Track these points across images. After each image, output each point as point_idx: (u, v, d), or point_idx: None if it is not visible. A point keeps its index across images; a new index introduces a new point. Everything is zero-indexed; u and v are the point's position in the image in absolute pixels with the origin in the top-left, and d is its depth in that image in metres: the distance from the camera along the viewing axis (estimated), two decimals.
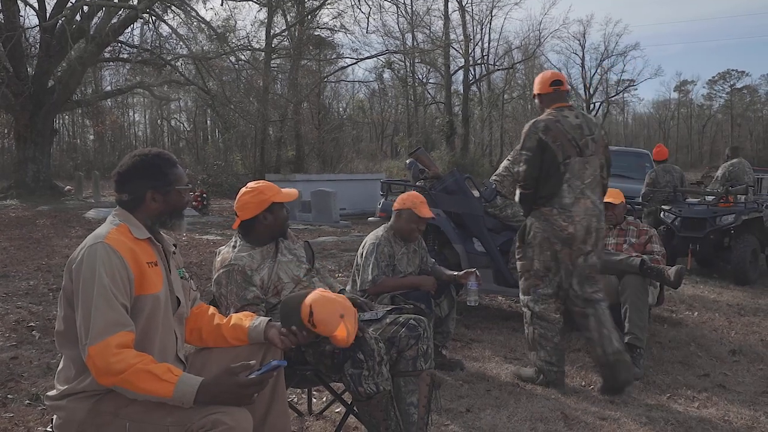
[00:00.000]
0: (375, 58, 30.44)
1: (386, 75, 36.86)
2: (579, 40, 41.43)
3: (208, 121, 37.15)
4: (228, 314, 2.64)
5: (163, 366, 1.82)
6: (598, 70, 41.20)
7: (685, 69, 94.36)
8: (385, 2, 27.14)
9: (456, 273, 3.91)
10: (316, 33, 27.07)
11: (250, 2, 22.90)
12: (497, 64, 37.50)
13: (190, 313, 2.21)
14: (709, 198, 8.16)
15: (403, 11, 31.26)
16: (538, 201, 3.66)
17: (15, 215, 12.88)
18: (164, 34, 19.70)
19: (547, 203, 3.62)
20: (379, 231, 3.82)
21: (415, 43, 32.56)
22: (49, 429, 1.98)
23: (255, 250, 2.75)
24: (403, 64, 34.64)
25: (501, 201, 5.31)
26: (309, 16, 25.69)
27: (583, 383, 3.86)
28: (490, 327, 5.12)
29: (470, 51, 34.81)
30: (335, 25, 26.53)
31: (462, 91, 35.34)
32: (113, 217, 2.02)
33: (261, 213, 2.74)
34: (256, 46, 23.72)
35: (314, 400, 3.39)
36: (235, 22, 31.08)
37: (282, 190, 2.82)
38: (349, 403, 2.71)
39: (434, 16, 33.56)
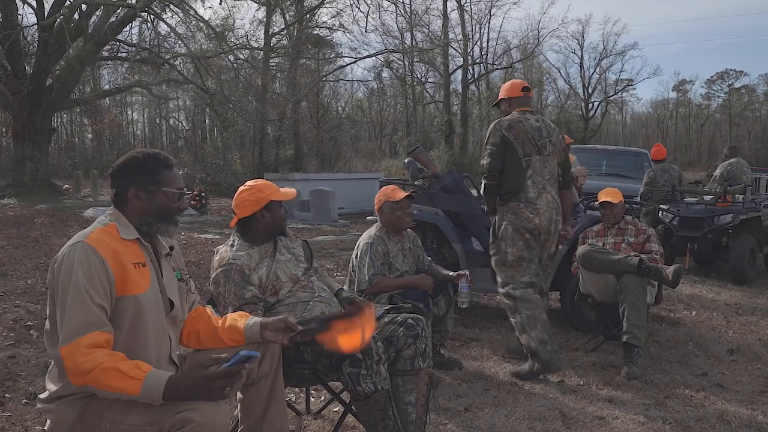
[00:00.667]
0: (374, 58, 30.48)
1: (385, 74, 36.88)
2: (578, 40, 41.43)
3: (207, 120, 37.15)
4: (226, 313, 2.64)
5: (131, 363, 1.78)
6: (597, 70, 41.22)
7: (683, 68, 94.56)
8: (384, 1, 27.24)
9: (450, 273, 3.90)
10: (314, 32, 27.07)
11: (249, 1, 22.98)
12: (496, 63, 37.50)
13: (187, 316, 2.17)
14: (708, 197, 8.16)
15: (402, 10, 31.32)
16: (505, 196, 4.00)
17: (13, 214, 12.87)
18: (163, 32, 19.71)
19: (513, 198, 3.96)
20: (372, 230, 3.81)
21: (413, 43, 32.57)
22: (45, 429, 1.97)
23: (253, 249, 2.75)
24: (401, 63, 34.63)
25: None
26: (308, 15, 25.69)
27: (581, 382, 3.87)
28: (488, 326, 5.12)
29: (469, 50, 34.79)
30: (334, 24, 26.56)
31: (461, 91, 35.32)
32: (105, 216, 2.00)
33: (258, 211, 2.73)
34: (255, 44, 23.74)
35: (312, 399, 3.39)
36: (234, 20, 31.06)
37: (280, 189, 2.82)
38: (347, 402, 2.71)
39: (433, 15, 33.59)
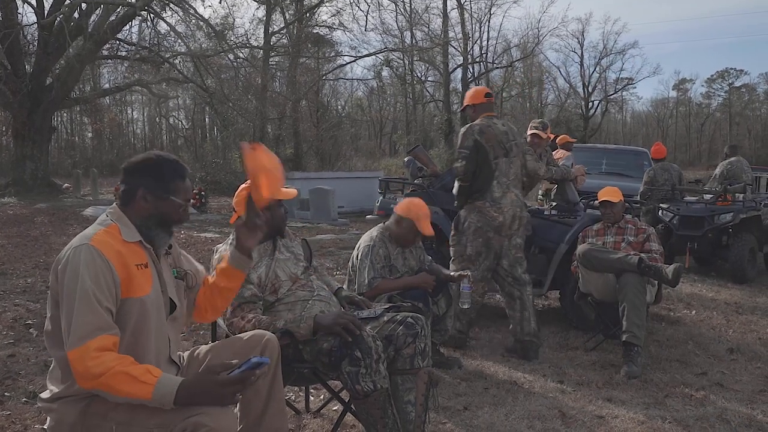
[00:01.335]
0: (374, 56, 30.41)
1: (385, 73, 36.80)
2: (578, 39, 41.33)
3: (207, 119, 37.13)
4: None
5: (142, 367, 1.78)
6: (597, 69, 41.14)
7: (683, 67, 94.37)
8: (384, 0, 27.13)
9: (452, 273, 3.90)
10: (314, 31, 27.06)
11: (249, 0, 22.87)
12: (496, 62, 37.45)
13: (200, 296, 2.19)
14: (708, 196, 8.16)
15: (402, 9, 31.26)
16: (472, 195, 4.27)
17: (13, 213, 12.87)
18: (162, 31, 19.72)
19: (480, 197, 4.25)
20: (373, 232, 3.79)
21: (413, 41, 32.51)
22: (45, 427, 1.96)
23: None
24: (401, 62, 34.58)
25: None
26: (307, 14, 25.68)
27: (581, 381, 3.86)
28: (487, 325, 5.12)
29: (469, 49, 34.74)
30: (334, 23, 26.54)
31: (461, 89, 35.25)
32: (106, 216, 1.98)
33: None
34: (255, 43, 23.73)
35: (311, 398, 3.39)
36: (234, 19, 31.07)
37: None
38: (346, 401, 2.70)
39: (433, 14, 33.53)
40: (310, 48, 27.22)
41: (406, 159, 6.00)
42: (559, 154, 7.07)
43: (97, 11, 17.60)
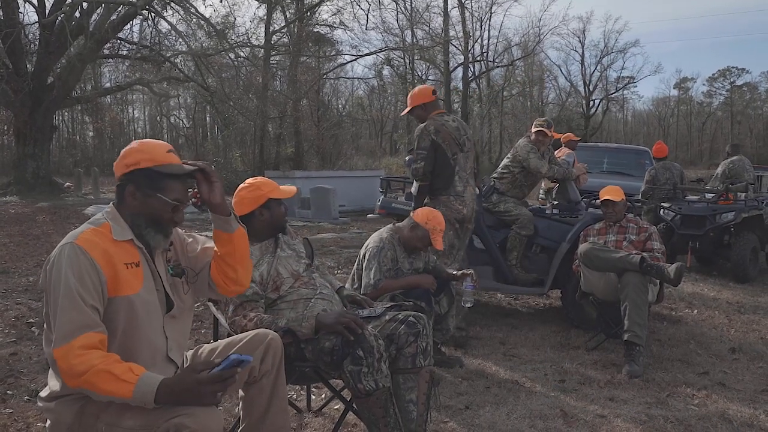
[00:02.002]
0: (374, 55, 30.39)
1: (385, 72, 36.77)
2: (578, 37, 41.31)
3: (208, 118, 37.11)
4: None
5: (124, 365, 1.76)
6: (598, 67, 41.09)
7: (684, 66, 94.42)
8: None
9: (454, 272, 3.91)
10: (315, 30, 27.01)
11: None
12: (497, 61, 37.40)
13: (214, 271, 2.12)
14: (709, 195, 8.15)
15: (403, 8, 31.15)
16: (436, 191, 4.42)
17: (14, 212, 12.87)
18: (163, 30, 19.69)
19: (443, 192, 4.40)
20: (384, 233, 3.79)
21: (414, 40, 32.45)
22: (46, 425, 1.97)
23: (253, 246, 2.74)
24: (402, 60, 34.54)
25: (496, 197, 5.32)
26: (308, 13, 25.66)
27: (582, 381, 3.86)
28: (489, 324, 5.12)
29: (469, 48, 34.70)
30: (334, 22, 26.48)
31: (461, 88, 35.25)
32: (101, 215, 1.97)
33: (257, 209, 2.74)
34: (256, 42, 23.71)
35: (313, 396, 3.39)
36: (234, 18, 31.08)
37: (280, 186, 2.82)
38: (348, 399, 2.71)
39: (434, 12, 33.45)
40: (311, 47, 27.19)
41: (407, 158, 5.98)
42: (560, 152, 7.08)
43: (99, 10, 17.59)
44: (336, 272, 7.02)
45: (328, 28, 27.26)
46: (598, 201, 4.77)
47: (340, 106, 39.26)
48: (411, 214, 3.85)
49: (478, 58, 36.20)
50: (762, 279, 7.61)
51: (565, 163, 6.25)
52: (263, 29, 25.18)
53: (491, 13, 36.00)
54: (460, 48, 34.05)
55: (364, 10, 24.59)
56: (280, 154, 26.85)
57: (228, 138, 26.32)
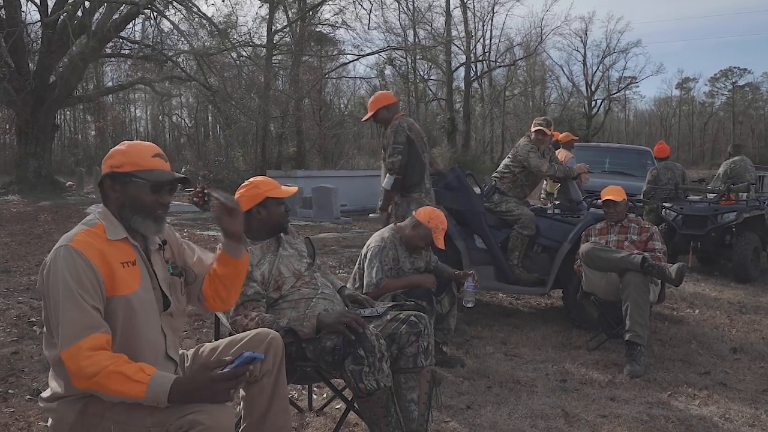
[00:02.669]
0: (376, 55, 30.39)
1: (387, 71, 36.73)
2: (581, 37, 41.30)
3: (210, 117, 37.10)
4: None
5: (135, 366, 1.77)
6: (600, 67, 41.08)
7: (686, 66, 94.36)
8: None
9: (456, 272, 3.91)
10: (317, 29, 27.02)
11: None
12: (499, 60, 37.43)
13: (206, 286, 2.15)
14: (711, 195, 8.14)
15: (405, 7, 31.18)
16: (409, 188, 4.55)
17: (16, 210, 12.89)
18: (166, 30, 19.66)
19: (416, 189, 4.55)
20: (385, 233, 3.80)
21: (416, 40, 32.46)
22: (47, 425, 1.97)
23: (255, 245, 2.75)
24: (404, 60, 34.56)
25: (498, 197, 5.32)
26: (310, 12, 25.66)
27: (584, 381, 3.86)
28: (490, 324, 5.12)
29: (472, 48, 34.73)
30: (336, 22, 26.49)
31: (463, 88, 35.26)
32: (94, 215, 1.97)
33: (254, 207, 2.75)
34: (258, 42, 23.72)
35: (315, 396, 3.39)
36: (237, 18, 31.04)
37: (280, 186, 2.81)
38: (349, 399, 2.71)
39: (436, 12, 33.48)
40: (313, 46, 27.18)
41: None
42: (562, 155, 7.06)
43: (101, 9, 17.60)
44: (337, 272, 7.02)
45: (330, 28, 27.29)
46: (599, 201, 4.76)
47: (342, 105, 39.23)
48: (413, 213, 3.85)
49: (480, 58, 36.22)
50: (763, 279, 7.60)
51: (572, 162, 6.25)
52: (265, 28, 25.21)
53: (493, 12, 36.10)
54: (462, 48, 34.10)
55: (366, 9, 24.55)
56: (282, 154, 26.86)
57: (230, 137, 26.34)
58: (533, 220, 5.17)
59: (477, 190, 5.53)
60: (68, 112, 34.79)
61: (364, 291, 3.60)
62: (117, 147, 1.99)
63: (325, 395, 3.45)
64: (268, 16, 25.10)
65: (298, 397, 3.44)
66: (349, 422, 3.04)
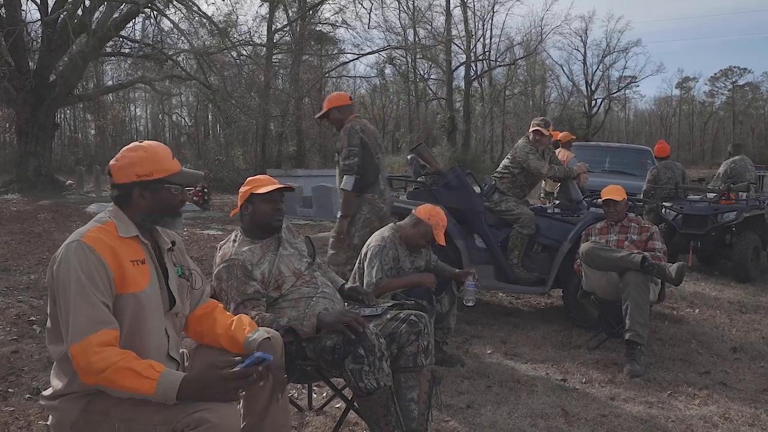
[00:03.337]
0: (376, 54, 30.43)
1: (387, 71, 36.77)
2: (581, 37, 41.33)
3: (210, 116, 37.11)
4: (229, 309, 2.64)
5: (144, 362, 1.78)
6: (600, 67, 41.09)
7: (687, 66, 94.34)
8: None
9: (456, 271, 3.91)
10: (317, 28, 27.03)
11: None
12: (499, 60, 37.44)
13: (194, 314, 2.17)
14: (711, 195, 8.14)
15: (405, 7, 31.22)
16: (363, 189, 4.53)
17: (16, 209, 12.89)
18: (166, 29, 19.69)
19: (370, 190, 4.55)
20: (385, 232, 3.79)
21: (416, 39, 32.49)
22: (48, 423, 1.97)
23: (255, 244, 2.74)
24: (404, 59, 34.59)
25: (497, 196, 5.32)
26: (310, 12, 25.66)
27: (584, 380, 3.86)
28: (490, 323, 5.12)
29: (472, 47, 34.73)
30: (337, 21, 26.52)
31: (463, 87, 35.26)
32: (104, 213, 1.99)
33: (243, 204, 2.80)
34: (258, 41, 23.74)
35: (314, 395, 3.39)
36: (237, 17, 30.98)
37: (267, 184, 2.77)
38: (349, 398, 2.71)
39: (436, 11, 33.52)
40: (313, 45, 27.19)
41: (409, 157, 5.99)
42: (562, 154, 7.06)
43: (101, 8, 17.60)
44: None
45: (330, 27, 27.31)
46: (599, 200, 4.76)
47: None
48: (412, 211, 3.85)
49: (480, 57, 36.23)
50: (763, 278, 7.59)
51: (573, 162, 6.24)
52: (265, 27, 25.22)
53: (493, 12, 36.11)
54: (462, 47, 34.09)
55: (366, 8, 24.59)
56: (282, 153, 26.87)
57: (230, 136, 26.34)
58: (533, 219, 5.17)
59: (477, 189, 5.53)
60: (68, 111, 34.80)
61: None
62: (134, 153, 1.99)
63: (325, 394, 3.45)
64: (268, 15, 25.12)
65: (298, 396, 3.44)
66: (349, 421, 3.04)
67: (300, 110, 27.18)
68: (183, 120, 40.37)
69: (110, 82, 30.87)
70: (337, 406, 3.28)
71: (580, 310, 4.99)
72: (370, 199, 4.55)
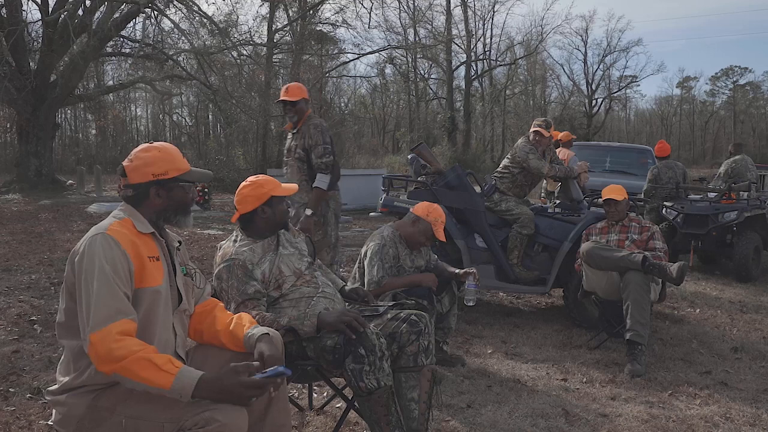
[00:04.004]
0: (377, 54, 30.37)
1: (388, 70, 36.75)
2: (581, 36, 41.27)
3: (210, 116, 37.09)
4: (229, 308, 2.64)
5: (164, 357, 1.81)
6: (601, 66, 41.00)
7: (687, 65, 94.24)
8: None
9: (457, 270, 3.91)
10: (317, 28, 27.00)
11: None
12: (499, 59, 37.38)
13: (194, 312, 2.20)
14: (712, 195, 8.13)
15: (405, 6, 31.18)
16: (332, 186, 4.65)
17: (17, 209, 12.89)
18: (166, 28, 19.68)
19: (333, 187, 4.70)
20: (385, 231, 3.79)
21: (417, 39, 32.46)
22: (50, 423, 1.97)
23: (256, 244, 2.74)
24: (404, 59, 34.56)
25: (497, 196, 5.32)
26: (311, 11, 25.63)
27: (584, 380, 3.86)
28: (491, 323, 5.12)
29: (472, 46, 34.70)
30: (337, 20, 26.45)
31: (464, 87, 35.24)
32: (118, 211, 2.03)
33: (260, 206, 2.75)
34: (258, 41, 23.69)
35: (315, 395, 3.39)
36: (237, 16, 31.00)
37: (282, 184, 2.83)
38: (350, 398, 2.71)
39: (436, 11, 33.45)
40: (314, 45, 27.17)
41: (409, 156, 5.99)
42: (563, 154, 7.06)
43: (101, 8, 17.60)
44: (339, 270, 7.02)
45: (330, 27, 27.24)
46: (600, 200, 4.76)
47: (342, 104, 39.22)
48: (410, 209, 3.85)
49: (481, 57, 36.20)
50: (764, 278, 7.59)
51: (574, 161, 6.23)
52: (266, 27, 25.17)
53: (494, 11, 36.04)
54: (462, 46, 34.07)
55: (366, 8, 24.51)
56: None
57: (230, 136, 26.32)
58: (532, 219, 5.17)
59: (477, 188, 5.52)
60: (69, 111, 34.76)
61: (365, 288, 3.59)
62: (148, 153, 2.05)
63: (325, 394, 3.45)
64: (268, 15, 25.08)
65: (299, 396, 3.44)
66: (350, 421, 3.04)
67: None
68: (183, 120, 40.37)
69: (111, 82, 30.84)
70: (337, 405, 3.28)
71: (580, 310, 4.99)
72: (333, 195, 4.73)
